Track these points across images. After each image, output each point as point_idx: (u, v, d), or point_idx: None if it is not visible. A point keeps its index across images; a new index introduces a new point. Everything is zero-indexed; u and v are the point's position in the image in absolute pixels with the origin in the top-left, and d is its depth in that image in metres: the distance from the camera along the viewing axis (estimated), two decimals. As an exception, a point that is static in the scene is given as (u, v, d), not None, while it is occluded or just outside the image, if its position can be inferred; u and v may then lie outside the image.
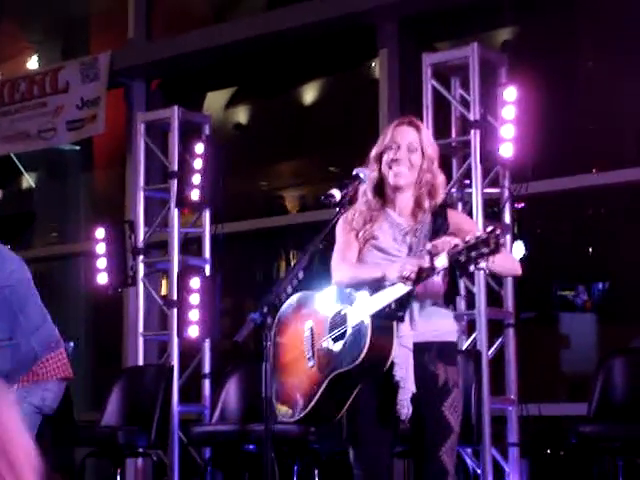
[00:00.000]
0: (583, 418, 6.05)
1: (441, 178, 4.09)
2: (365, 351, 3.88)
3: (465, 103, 6.58)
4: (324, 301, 4.12)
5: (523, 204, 6.96)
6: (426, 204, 4.05)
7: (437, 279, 3.94)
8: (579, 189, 7.23)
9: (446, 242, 3.74)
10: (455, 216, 4.11)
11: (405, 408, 3.88)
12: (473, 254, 3.61)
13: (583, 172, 7.26)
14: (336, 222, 4.09)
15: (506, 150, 6.40)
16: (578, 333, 7.60)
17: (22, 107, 9.08)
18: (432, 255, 3.76)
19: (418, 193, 4.06)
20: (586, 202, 7.62)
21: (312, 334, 4.11)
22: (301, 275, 4.01)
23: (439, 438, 3.92)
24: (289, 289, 3.98)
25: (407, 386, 3.87)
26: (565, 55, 7.61)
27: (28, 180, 10.47)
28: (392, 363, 3.89)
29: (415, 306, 3.95)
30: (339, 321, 4.02)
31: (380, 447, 4.04)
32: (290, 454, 6.44)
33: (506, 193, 6.56)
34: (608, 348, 6.93)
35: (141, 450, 6.93)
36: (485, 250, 3.58)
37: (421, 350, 3.91)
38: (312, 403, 4.02)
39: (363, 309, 3.93)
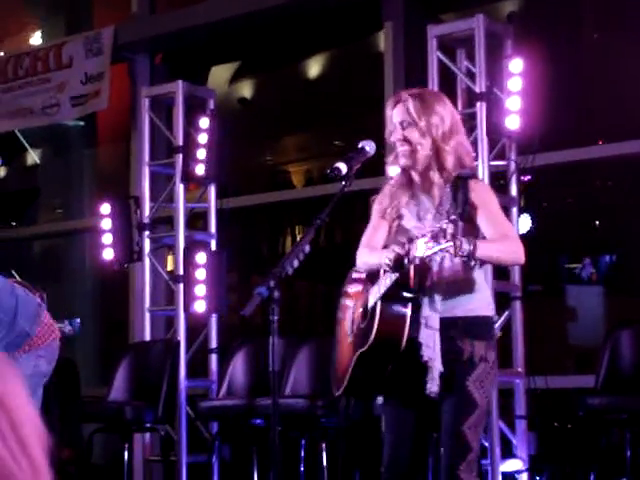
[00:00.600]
0: (590, 390, 6.05)
1: (451, 145, 3.95)
2: (374, 332, 3.91)
3: (471, 75, 6.54)
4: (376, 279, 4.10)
5: (529, 177, 6.93)
6: (435, 178, 3.99)
7: (457, 263, 3.91)
8: (585, 161, 7.20)
9: (436, 228, 3.66)
10: (477, 189, 3.91)
11: (435, 387, 3.87)
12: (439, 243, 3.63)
13: (589, 144, 7.23)
14: (341, 195, 4.07)
15: (512, 122, 6.37)
16: (585, 306, 7.59)
17: (26, 83, 9.05)
18: (410, 242, 3.75)
19: (423, 168, 4.01)
20: (592, 174, 7.60)
21: (354, 311, 4.14)
22: (307, 249, 4.01)
23: (462, 413, 3.89)
24: (295, 263, 3.97)
25: (435, 366, 3.86)
26: (571, 26, 7.57)
27: (32, 156, 10.45)
28: (419, 344, 3.88)
29: (437, 288, 3.93)
30: (366, 301, 4.06)
31: (404, 428, 4.04)
32: (297, 429, 6.45)
33: (512, 165, 6.54)
34: (615, 320, 6.92)
35: (148, 425, 6.94)
36: (442, 241, 3.63)
37: (447, 326, 3.90)
38: (346, 379, 4.05)
39: (376, 291, 3.96)
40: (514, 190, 6.57)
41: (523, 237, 6.55)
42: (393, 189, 4.08)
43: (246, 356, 7.13)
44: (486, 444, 6.21)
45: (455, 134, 3.99)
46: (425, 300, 3.92)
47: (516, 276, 6.50)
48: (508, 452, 6.33)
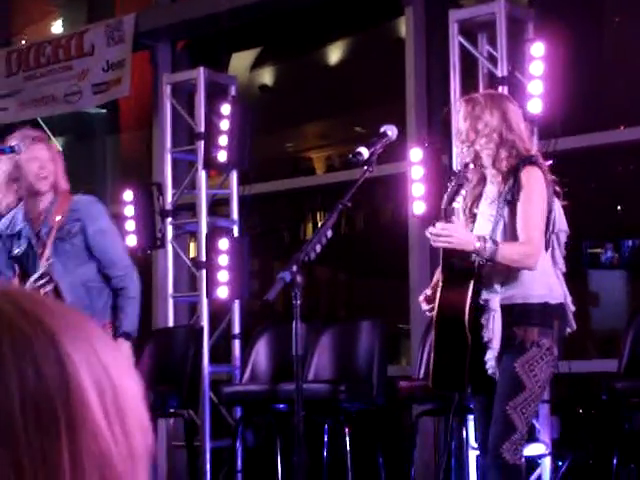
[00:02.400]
0: (613, 374, 6.04)
1: (495, 144, 4.17)
2: (435, 315, 4.11)
3: (492, 59, 6.53)
4: None
5: (551, 161, 6.91)
6: (493, 172, 4.19)
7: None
8: (607, 145, 7.18)
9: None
10: (525, 176, 4.16)
11: (494, 367, 4.02)
12: None
13: (611, 128, 7.20)
14: (364, 180, 4.11)
15: (534, 106, 6.36)
16: (607, 290, 7.58)
17: (48, 71, 9.08)
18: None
19: (483, 164, 4.24)
20: (614, 158, 7.57)
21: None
22: (330, 233, 4.03)
23: (508, 394, 3.99)
24: (318, 247, 3.99)
25: (493, 346, 4.01)
26: (592, 10, 7.54)
27: (55, 144, 10.50)
28: (480, 326, 4.04)
29: (495, 273, 4.09)
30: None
31: (482, 406, 4.21)
32: (320, 414, 6.47)
33: (534, 150, 6.52)
34: (637, 305, 6.90)
35: (172, 411, 6.98)
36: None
37: (507, 312, 4.04)
38: (431, 371, 4.23)
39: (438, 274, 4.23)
40: (536, 174, 6.56)
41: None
42: (470, 186, 4.27)
43: (269, 341, 7.15)
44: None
45: (507, 132, 4.19)
46: (484, 282, 4.09)
47: (538, 260, 6.49)
48: (531, 436, 6.33)
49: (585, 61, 7.00)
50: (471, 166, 4.19)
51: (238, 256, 7.24)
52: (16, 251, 4.88)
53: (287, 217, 9.30)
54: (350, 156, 4.15)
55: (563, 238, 4.28)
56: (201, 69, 7.53)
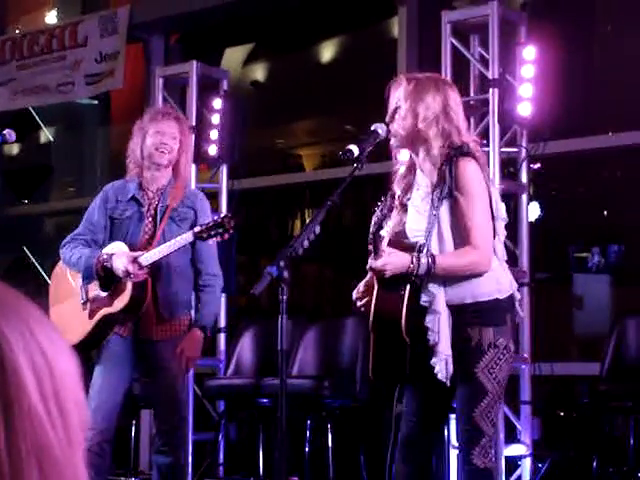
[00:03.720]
0: (596, 378, 6.09)
1: (433, 131, 3.97)
2: (372, 316, 3.98)
3: (484, 61, 6.57)
4: None
5: (539, 164, 6.96)
6: (426, 160, 4.02)
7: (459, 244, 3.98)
8: (595, 150, 7.22)
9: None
10: (461, 170, 3.93)
11: (443, 370, 3.87)
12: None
13: (600, 133, 7.25)
14: (353, 178, 4.11)
15: (524, 109, 6.40)
16: (592, 294, 7.62)
17: (41, 61, 9.09)
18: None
19: (415, 150, 4.06)
20: (602, 163, 7.62)
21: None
22: (318, 230, 4.04)
23: (472, 400, 3.91)
24: (306, 243, 4.00)
25: (440, 349, 3.86)
26: (584, 15, 7.59)
27: (46, 134, 10.50)
28: (426, 329, 3.89)
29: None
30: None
31: (418, 408, 4.10)
32: (303, 409, 6.50)
33: (523, 153, 6.57)
34: (621, 309, 6.95)
35: (156, 402, 6.99)
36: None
37: (457, 312, 3.91)
38: (371, 364, 4.10)
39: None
40: (524, 177, 6.60)
41: (532, 225, 6.63)
42: (399, 178, 4.12)
43: (254, 336, 7.18)
44: (490, 428, 6.25)
45: (444, 121, 3.99)
46: (427, 284, 3.92)
47: (524, 262, 6.53)
48: (512, 437, 6.37)
49: (575, 66, 7.05)
50: (398, 193, 4.05)
51: (225, 250, 7.25)
52: (121, 214, 4.96)
53: (275, 213, 9.33)
54: (340, 154, 4.12)
55: (502, 226, 4.13)
56: (194, 63, 7.54)
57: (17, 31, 9.86)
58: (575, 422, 6.90)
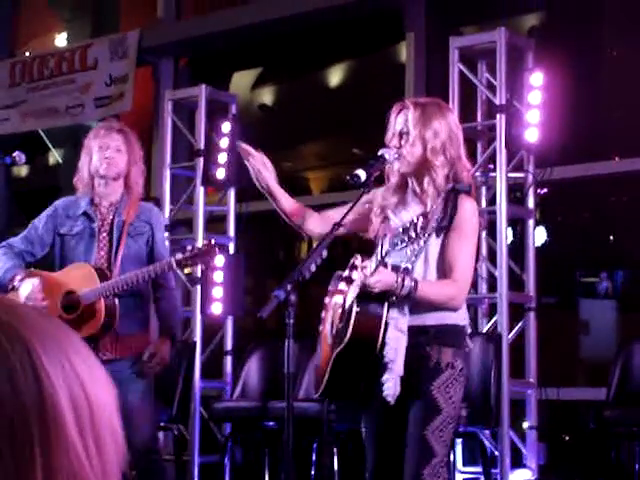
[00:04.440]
0: (602, 403, 6.09)
1: (441, 160, 3.98)
2: (349, 333, 3.93)
3: (491, 87, 6.60)
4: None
5: (546, 190, 6.98)
6: (428, 188, 4.00)
7: (430, 272, 3.99)
8: (602, 176, 7.25)
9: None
10: (462, 207, 3.93)
11: (392, 389, 3.85)
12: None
13: (606, 159, 7.28)
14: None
15: (531, 135, 6.43)
16: (598, 319, 7.63)
17: (51, 83, 9.15)
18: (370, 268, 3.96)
19: (417, 176, 4.05)
20: (608, 189, 7.65)
21: (334, 311, 4.18)
22: (325, 253, 4.07)
23: (425, 417, 3.87)
24: (313, 267, 4.02)
25: (394, 368, 3.85)
26: (590, 42, 7.63)
27: (55, 156, 10.55)
28: (384, 344, 3.88)
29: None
30: (345, 301, 4.10)
31: (372, 427, 4.05)
32: (309, 432, 6.50)
33: (530, 178, 6.59)
34: (628, 335, 6.96)
35: (162, 424, 7.00)
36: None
37: (417, 333, 3.91)
38: (324, 381, 4.05)
39: (353, 290, 4.01)
40: (531, 202, 6.63)
41: (538, 250, 6.65)
42: (388, 190, 4.11)
43: (260, 359, 7.19)
44: (496, 453, 6.26)
45: (449, 147, 4.00)
46: (395, 304, 3.93)
47: (531, 287, 6.55)
48: (518, 462, 6.37)
49: (582, 92, 7.08)
50: (387, 204, 4.08)
51: (233, 273, 7.29)
52: (69, 230, 4.91)
53: (282, 236, 9.35)
54: (347, 178, 4.14)
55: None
56: (203, 87, 7.59)
57: (27, 54, 9.92)
58: (581, 447, 6.89)
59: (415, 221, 3.76)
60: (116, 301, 4.77)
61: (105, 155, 4.88)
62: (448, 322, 3.96)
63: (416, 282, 3.89)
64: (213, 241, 4.80)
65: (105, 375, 0.93)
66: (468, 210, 3.97)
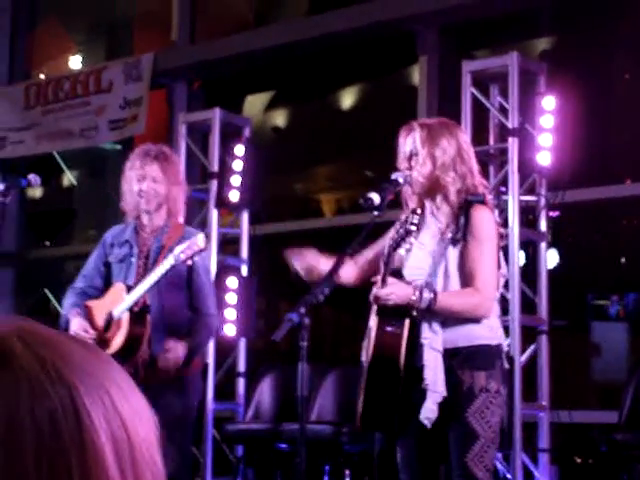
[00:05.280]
0: (614, 426, 6.08)
1: (451, 175, 4.01)
2: (371, 351, 3.93)
3: (503, 111, 6.64)
4: None
5: (558, 212, 7.00)
6: (441, 205, 4.06)
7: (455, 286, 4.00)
8: (613, 199, 7.26)
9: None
10: (476, 216, 3.99)
11: (431, 413, 3.85)
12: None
13: (618, 182, 7.29)
14: (373, 225, 4.15)
15: (543, 158, 6.46)
16: (610, 342, 7.63)
17: (65, 106, 9.21)
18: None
19: (430, 195, 4.08)
20: (620, 212, 7.66)
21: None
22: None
23: (464, 445, 3.87)
24: (326, 290, 4.04)
25: (436, 389, 3.85)
26: (602, 66, 7.65)
27: (69, 178, 10.61)
28: (422, 367, 3.88)
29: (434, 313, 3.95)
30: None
31: (412, 451, 4.03)
32: (322, 455, 6.51)
33: (542, 201, 6.62)
34: (639, 357, 6.96)
35: (175, 446, 7.01)
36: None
37: (449, 356, 3.90)
38: (359, 410, 4.02)
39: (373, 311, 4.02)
40: (543, 225, 6.64)
41: (550, 272, 6.66)
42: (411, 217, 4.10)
43: (273, 381, 7.21)
44: (509, 476, 6.26)
45: (460, 164, 4.04)
46: (424, 321, 3.92)
47: (543, 310, 6.56)
48: (530, 485, 6.37)
49: (594, 115, 7.10)
50: (418, 211, 4.02)
51: (246, 295, 7.32)
52: (115, 258, 4.98)
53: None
54: (361, 201, 4.16)
55: (502, 281, 4.17)
56: (217, 110, 7.63)
57: (42, 76, 9.99)
58: (593, 470, 6.88)
59: (410, 219, 3.87)
60: (147, 323, 4.79)
61: (142, 188, 4.90)
62: (480, 342, 3.94)
63: (435, 293, 3.88)
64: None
65: (146, 407, 0.92)
66: (482, 218, 3.98)
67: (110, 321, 4.84)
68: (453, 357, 3.91)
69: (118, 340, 4.79)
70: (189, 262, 4.69)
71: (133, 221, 5.03)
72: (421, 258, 4.01)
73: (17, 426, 0.84)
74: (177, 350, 4.78)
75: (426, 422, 3.87)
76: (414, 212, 4.01)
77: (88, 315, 4.89)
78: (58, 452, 0.84)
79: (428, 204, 4.11)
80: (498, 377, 3.96)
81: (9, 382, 0.85)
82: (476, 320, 3.96)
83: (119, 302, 4.80)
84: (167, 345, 4.79)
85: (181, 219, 5.05)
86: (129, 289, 4.80)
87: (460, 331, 3.95)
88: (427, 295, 3.87)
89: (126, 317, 4.79)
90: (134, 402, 0.90)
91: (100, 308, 4.90)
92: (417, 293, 3.87)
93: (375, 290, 3.95)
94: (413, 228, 3.95)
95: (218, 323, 5.17)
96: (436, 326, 3.93)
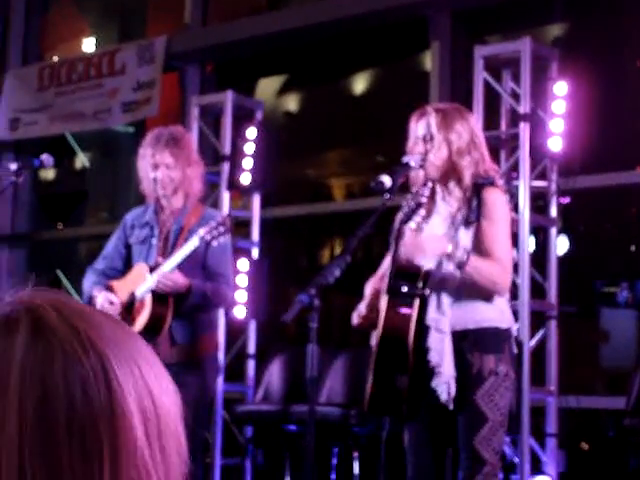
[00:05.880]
0: (621, 412, 6.11)
1: (467, 160, 4.05)
2: (381, 329, 3.96)
3: (515, 96, 6.64)
4: None
5: (569, 199, 7.01)
6: (454, 189, 4.09)
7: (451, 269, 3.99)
8: (624, 186, 7.27)
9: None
10: (489, 197, 4.02)
11: (445, 393, 3.87)
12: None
13: (629, 169, 7.30)
14: (385, 208, 4.17)
15: (555, 144, 6.47)
16: (619, 329, 7.65)
17: (78, 88, 9.23)
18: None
19: (443, 180, 4.13)
20: (631, 199, 7.66)
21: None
22: (349, 259, 4.11)
23: (472, 428, 3.90)
24: (337, 272, 4.06)
25: (443, 371, 3.87)
26: (615, 52, 7.65)
27: (82, 159, 10.65)
28: (427, 349, 3.90)
29: (446, 289, 3.98)
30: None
31: (420, 434, 4.07)
32: (330, 437, 6.55)
33: (553, 187, 6.63)
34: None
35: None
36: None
37: (459, 338, 3.92)
38: (368, 394, 4.05)
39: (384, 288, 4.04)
40: (554, 211, 6.66)
41: (561, 258, 6.68)
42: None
43: (283, 363, 7.24)
44: (516, 460, 6.29)
45: (473, 149, 4.08)
46: (432, 302, 3.95)
47: (552, 296, 6.58)
48: (537, 469, 6.40)
49: (606, 102, 7.11)
50: (429, 184, 4.05)
51: (257, 277, 7.35)
52: (136, 240, 5.05)
53: (305, 242, 9.40)
54: (372, 184, 4.19)
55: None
56: (229, 93, 7.65)
57: (55, 58, 10.02)
58: (600, 455, 6.91)
59: (420, 191, 3.91)
60: (170, 303, 4.82)
61: (156, 177, 4.95)
62: (489, 325, 3.96)
63: (469, 253, 3.89)
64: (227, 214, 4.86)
65: (170, 381, 0.95)
66: (495, 199, 4.02)
67: (133, 301, 4.89)
68: (462, 339, 3.94)
69: (141, 320, 4.83)
70: (214, 243, 4.72)
71: (152, 203, 5.07)
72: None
73: (50, 391, 0.87)
74: (176, 277, 4.78)
75: (446, 403, 3.87)
76: (425, 185, 4.04)
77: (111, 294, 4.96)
78: (89, 418, 0.87)
79: (439, 189, 4.13)
80: (507, 360, 3.98)
81: (43, 348, 0.88)
82: (487, 300, 3.98)
83: (141, 282, 4.85)
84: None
85: (200, 198, 5.11)
86: (152, 270, 4.83)
87: (470, 312, 3.97)
88: (460, 253, 3.87)
89: (149, 297, 4.83)
90: (160, 375, 0.93)
91: (122, 288, 4.95)
92: (453, 247, 3.86)
93: (406, 238, 3.94)
94: (424, 200, 3.97)
95: (232, 296, 5.17)
96: (445, 306, 3.94)
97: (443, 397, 3.89)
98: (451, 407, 3.91)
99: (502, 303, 4.06)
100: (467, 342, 3.94)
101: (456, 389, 3.90)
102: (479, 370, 3.92)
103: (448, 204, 4.09)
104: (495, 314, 4.01)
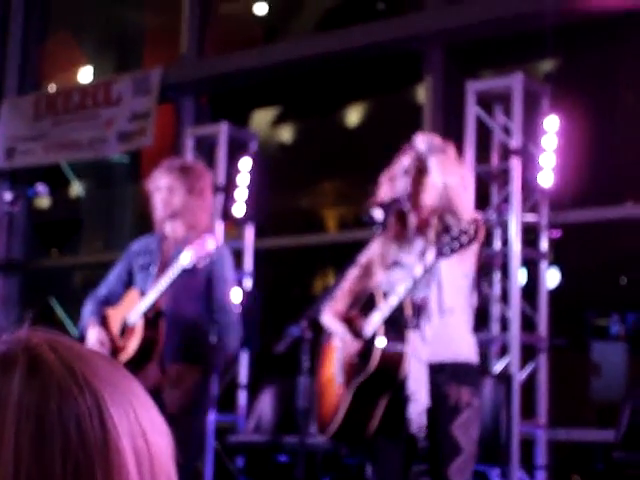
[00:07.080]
0: (611, 445, 6.13)
1: (456, 202, 4.10)
2: (375, 364, 3.99)
3: (507, 131, 6.71)
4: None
5: (560, 232, 7.07)
6: (435, 223, 4.16)
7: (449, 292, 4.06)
8: (615, 219, 7.32)
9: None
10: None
11: (416, 423, 3.93)
12: (454, 245, 3.98)
13: (619, 203, 7.35)
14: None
15: (546, 178, 6.52)
16: (609, 361, 7.67)
17: (75, 117, 9.29)
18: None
19: (427, 213, 4.21)
20: (621, 232, 7.71)
21: (345, 349, 4.23)
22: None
23: (447, 457, 3.93)
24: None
25: (419, 399, 3.92)
26: (605, 87, 7.72)
27: (77, 188, 10.69)
28: (405, 377, 3.96)
29: (426, 320, 4.03)
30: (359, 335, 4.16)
31: (394, 464, 4.09)
32: (321, 467, 6.55)
33: (544, 220, 6.68)
34: (638, 377, 7.00)
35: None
36: (464, 239, 3.92)
37: (436, 371, 3.98)
38: (339, 421, 4.10)
39: (376, 321, 4.07)
40: (544, 245, 6.71)
41: (551, 292, 6.72)
42: (386, 240, 4.22)
43: (274, 393, 7.26)
44: (506, 492, 6.30)
45: (462, 191, 4.15)
46: (416, 332, 4.00)
47: (543, 328, 6.62)
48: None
49: (597, 136, 7.17)
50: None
51: (249, 308, 7.37)
52: (137, 266, 5.07)
53: (298, 273, 9.43)
54: (364, 218, 4.24)
55: (475, 301, 4.23)
56: (224, 124, 7.71)
57: (52, 88, 10.08)
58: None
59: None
60: (161, 328, 4.84)
61: (156, 198, 5.02)
62: (464, 360, 4.03)
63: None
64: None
65: (163, 422, 0.97)
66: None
67: (125, 327, 4.93)
68: (439, 372, 3.99)
69: (133, 345, 4.86)
70: (199, 266, 4.73)
71: (160, 232, 5.13)
72: (405, 278, 4.06)
73: (46, 428, 0.88)
74: (185, 380, 4.78)
75: (416, 431, 3.93)
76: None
77: (105, 323, 4.99)
78: (84, 455, 0.89)
79: (415, 222, 4.16)
80: (479, 394, 4.08)
81: (39, 386, 0.90)
82: (461, 333, 4.05)
83: (133, 308, 4.89)
84: (174, 371, 4.80)
85: (206, 232, 4.99)
86: (143, 295, 4.88)
87: (446, 346, 4.02)
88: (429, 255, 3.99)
89: (140, 323, 4.86)
90: (154, 416, 0.96)
91: (116, 315, 4.99)
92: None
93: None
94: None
95: (238, 339, 5.04)
96: (425, 334, 4.00)
97: (415, 426, 3.92)
98: (421, 437, 3.95)
99: (472, 339, 4.13)
100: (444, 374, 4.00)
101: (430, 420, 3.94)
102: (456, 402, 3.97)
103: (424, 236, 4.15)
104: (469, 349, 4.08)
